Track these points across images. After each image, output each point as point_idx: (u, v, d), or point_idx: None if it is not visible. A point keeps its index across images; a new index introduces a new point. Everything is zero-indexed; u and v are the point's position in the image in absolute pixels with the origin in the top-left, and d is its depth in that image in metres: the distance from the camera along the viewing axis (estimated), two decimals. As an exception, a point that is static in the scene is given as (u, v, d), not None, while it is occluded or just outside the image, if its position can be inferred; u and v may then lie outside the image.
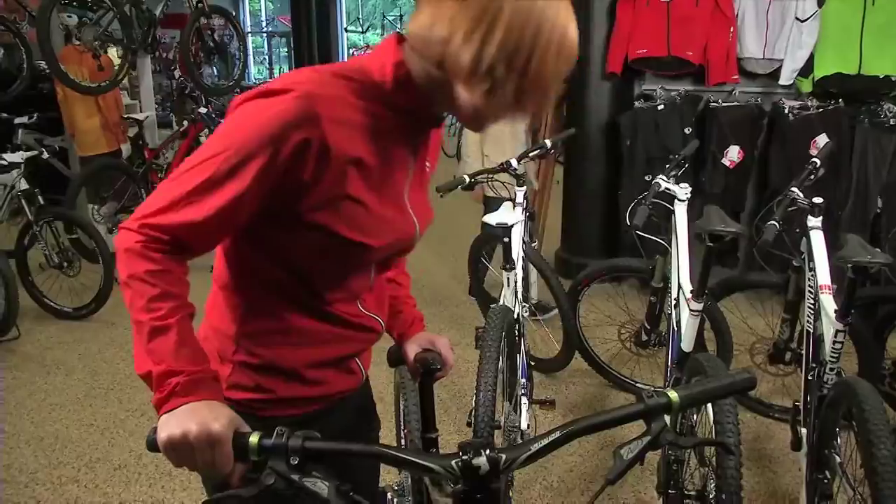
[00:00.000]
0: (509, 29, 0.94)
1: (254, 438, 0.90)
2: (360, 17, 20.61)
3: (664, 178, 2.78)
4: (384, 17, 20.22)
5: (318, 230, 1.06)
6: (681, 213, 2.72)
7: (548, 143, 3.13)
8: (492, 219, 2.68)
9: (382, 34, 20.04)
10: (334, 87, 1.03)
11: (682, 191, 2.72)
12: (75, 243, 4.90)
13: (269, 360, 1.17)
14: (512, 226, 2.67)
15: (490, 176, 3.01)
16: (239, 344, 1.17)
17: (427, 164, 1.23)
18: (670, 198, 2.78)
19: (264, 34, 21.84)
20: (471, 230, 3.60)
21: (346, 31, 20.26)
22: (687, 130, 4.38)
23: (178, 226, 1.00)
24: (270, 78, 19.46)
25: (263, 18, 21.84)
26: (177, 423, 0.91)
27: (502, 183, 3.34)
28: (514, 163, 2.98)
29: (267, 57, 21.80)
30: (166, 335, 0.96)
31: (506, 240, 2.70)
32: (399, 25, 19.69)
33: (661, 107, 4.43)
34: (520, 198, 2.99)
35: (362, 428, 1.39)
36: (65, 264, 4.49)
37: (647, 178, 4.28)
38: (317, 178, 1.02)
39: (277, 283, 1.14)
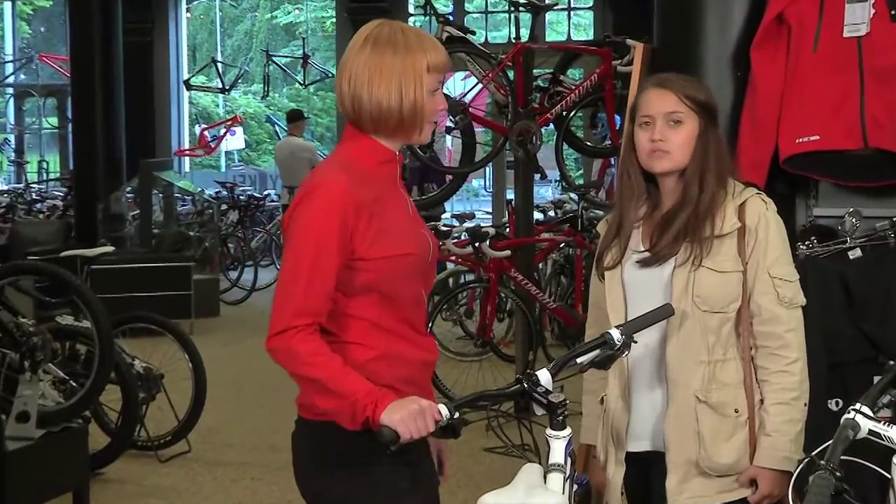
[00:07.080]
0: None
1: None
2: (219, 59, 15.56)
3: (867, 407, 2.13)
4: (269, 58, 14.78)
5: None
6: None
7: (615, 335, 2.09)
8: (496, 498, 2.06)
9: (266, 91, 15.62)
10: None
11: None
12: None
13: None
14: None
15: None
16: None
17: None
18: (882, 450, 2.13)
19: (8, 90, 16.94)
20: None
21: (190, 86, 15.31)
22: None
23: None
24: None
25: (9, 56, 17.33)
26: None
27: None
28: (542, 378, 2.12)
29: (14, 135, 17.19)
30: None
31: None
32: (303, 77, 14.98)
33: (855, 253, 3.49)
34: (558, 456, 2.12)
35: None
36: None
37: (829, 402, 3.45)
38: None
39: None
